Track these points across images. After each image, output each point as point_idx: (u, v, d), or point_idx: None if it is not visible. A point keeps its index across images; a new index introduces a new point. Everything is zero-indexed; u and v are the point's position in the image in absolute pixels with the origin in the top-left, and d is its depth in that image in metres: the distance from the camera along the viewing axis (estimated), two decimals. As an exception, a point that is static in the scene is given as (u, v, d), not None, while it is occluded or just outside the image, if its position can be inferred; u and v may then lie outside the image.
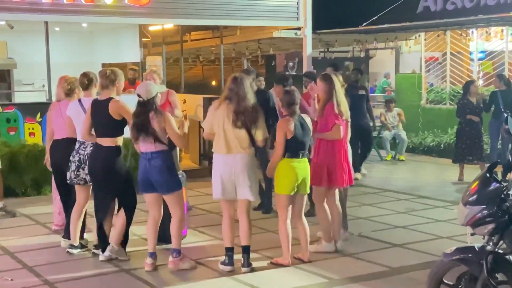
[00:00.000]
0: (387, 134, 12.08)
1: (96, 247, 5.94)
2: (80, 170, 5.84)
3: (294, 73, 16.21)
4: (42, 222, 7.26)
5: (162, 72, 12.04)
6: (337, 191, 6.10)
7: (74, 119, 5.92)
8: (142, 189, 5.52)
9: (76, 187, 5.99)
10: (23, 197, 8.53)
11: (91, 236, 6.17)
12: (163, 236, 5.80)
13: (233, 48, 15.38)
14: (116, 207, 5.87)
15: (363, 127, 9.60)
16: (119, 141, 5.66)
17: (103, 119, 5.60)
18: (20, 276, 5.45)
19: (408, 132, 12.54)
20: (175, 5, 9.98)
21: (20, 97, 11.86)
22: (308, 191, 5.69)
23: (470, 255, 3.99)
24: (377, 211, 7.87)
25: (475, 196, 3.98)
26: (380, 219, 7.43)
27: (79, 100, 5.95)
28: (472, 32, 13.33)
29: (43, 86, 10.74)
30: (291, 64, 16.85)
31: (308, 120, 5.66)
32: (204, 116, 5.65)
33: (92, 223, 6.06)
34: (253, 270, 5.46)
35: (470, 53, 14.18)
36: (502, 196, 3.92)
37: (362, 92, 9.91)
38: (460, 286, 4.12)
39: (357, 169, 9.32)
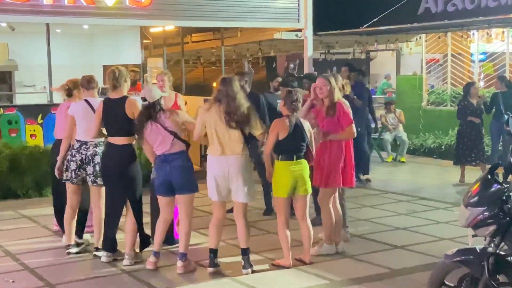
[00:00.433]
0: (388, 136, 12.08)
1: (97, 249, 5.94)
2: (81, 170, 5.84)
3: (295, 75, 16.23)
4: (43, 223, 7.26)
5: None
6: (337, 193, 6.10)
7: (79, 119, 5.87)
8: (161, 192, 5.51)
9: (71, 186, 5.95)
10: (24, 199, 8.53)
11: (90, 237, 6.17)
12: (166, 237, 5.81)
13: (234, 50, 15.40)
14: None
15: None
16: (133, 139, 5.67)
17: (118, 118, 5.60)
18: (21, 278, 5.46)
19: (409, 133, 12.54)
20: (176, 7, 9.99)
21: (21, 98, 11.89)
22: (309, 191, 5.67)
23: (471, 257, 3.99)
24: (378, 212, 7.87)
25: (476, 198, 3.98)
26: (381, 220, 7.43)
27: (86, 100, 5.91)
28: (473, 33, 13.34)
29: (44, 88, 10.77)
30: (292, 65, 16.88)
31: (306, 124, 5.65)
32: None
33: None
34: (253, 272, 5.45)
35: (471, 55, 14.19)
36: (504, 197, 3.92)
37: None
38: (461, 288, 4.12)
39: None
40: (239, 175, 5.33)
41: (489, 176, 4.02)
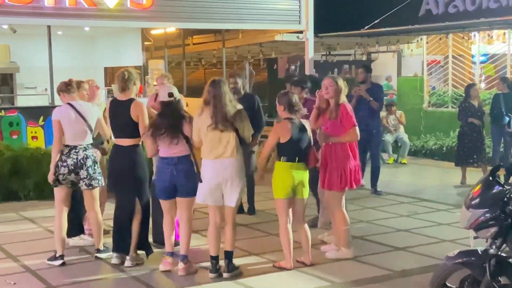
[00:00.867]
0: (389, 137, 12.08)
1: (99, 251, 5.93)
2: (73, 174, 5.74)
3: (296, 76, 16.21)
4: (44, 225, 7.27)
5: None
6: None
7: (65, 124, 5.74)
8: (164, 196, 5.50)
9: (61, 192, 5.82)
10: (26, 201, 8.53)
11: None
12: (160, 238, 5.84)
13: (235, 52, 15.39)
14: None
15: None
16: (139, 140, 5.68)
17: (123, 120, 5.61)
18: (23, 280, 5.46)
19: (410, 135, 12.53)
20: (177, 9, 10.01)
21: (22, 100, 11.90)
22: (307, 195, 5.66)
23: (473, 259, 3.99)
24: (380, 214, 7.87)
25: (477, 200, 3.98)
26: (382, 222, 7.43)
27: (70, 104, 5.80)
28: (474, 35, 13.33)
29: (46, 90, 10.78)
30: (293, 67, 16.86)
31: (307, 125, 5.65)
32: None
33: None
34: (236, 275, 5.40)
35: (472, 56, 14.19)
36: (505, 199, 3.92)
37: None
38: (463, 290, 4.11)
39: None
40: (233, 180, 5.32)
41: (490, 178, 4.02)
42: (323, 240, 6.40)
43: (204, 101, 5.33)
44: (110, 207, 6.16)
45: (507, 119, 9.72)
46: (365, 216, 7.67)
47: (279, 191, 5.52)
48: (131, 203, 5.70)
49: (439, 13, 11.49)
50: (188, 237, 5.51)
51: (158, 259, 5.72)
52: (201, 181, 5.35)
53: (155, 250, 5.88)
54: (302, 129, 5.56)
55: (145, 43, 11.68)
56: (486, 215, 3.92)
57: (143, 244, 5.82)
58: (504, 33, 12.79)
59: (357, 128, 5.78)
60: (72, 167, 5.74)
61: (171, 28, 12.23)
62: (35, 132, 9.32)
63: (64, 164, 5.74)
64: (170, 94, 5.38)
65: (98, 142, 6.33)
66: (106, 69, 13.51)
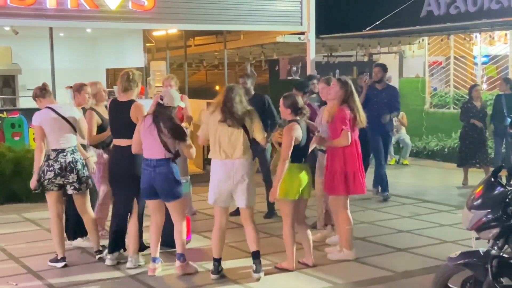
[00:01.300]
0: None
1: (99, 252, 5.94)
2: (59, 177, 5.68)
3: (298, 78, 16.22)
4: (46, 227, 7.26)
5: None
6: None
7: (48, 128, 5.66)
8: (146, 196, 5.53)
9: (53, 195, 5.75)
10: (28, 202, 8.53)
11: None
12: (166, 240, 5.81)
13: (237, 53, 15.41)
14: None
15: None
16: None
17: (123, 121, 5.63)
18: (25, 281, 5.46)
19: (412, 136, 12.52)
20: (179, 10, 10.01)
21: (24, 102, 11.88)
22: (310, 196, 5.67)
23: (475, 260, 3.99)
24: (382, 215, 7.86)
25: (479, 201, 3.98)
26: (384, 223, 7.42)
27: (50, 108, 5.73)
28: (476, 36, 13.31)
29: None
30: (294, 68, 16.85)
31: (304, 124, 5.66)
32: None
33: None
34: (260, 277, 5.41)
35: (474, 57, 14.17)
36: (507, 200, 3.92)
37: None
38: (465, 291, 4.11)
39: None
40: (244, 180, 5.32)
41: (492, 179, 4.01)
42: (318, 241, 6.39)
43: (218, 102, 5.35)
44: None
45: (509, 120, 9.70)
46: (367, 217, 7.67)
47: (288, 192, 5.48)
48: (129, 203, 5.72)
49: (440, 14, 11.47)
50: (182, 235, 5.51)
51: (165, 260, 5.71)
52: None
53: (161, 251, 5.82)
54: (307, 131, 5.57)
55: (147, 44, 11.69)
56: (488, 216, 3.92)
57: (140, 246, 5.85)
58: (506, 34, 12.78)
59: (347, 133, 5.75)
60: (59, 171, 5.67)
61: (173, 29, 12.24)
62: (37, 134, 9.31)
63: (51, 168, 5.66)
64: (161, 98, 5.40)
65: (105, 144, 6.36)
66: (108, 70, 13.51)
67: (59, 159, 5.69)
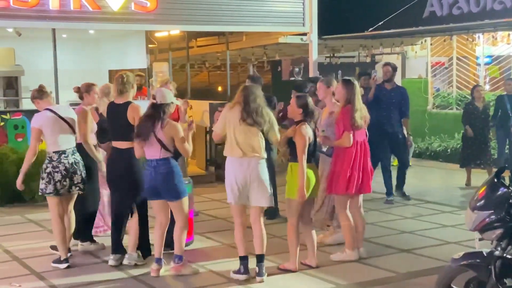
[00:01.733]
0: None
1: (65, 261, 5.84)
2: (67, 179, 5.75)
3: (300, 79, 16.21)
4: (49, 228, 7.25)
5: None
6: (361, 198, 6.05)
7: (48, 130, 5.74)
8: (149, 197, 5.56)
9: (55, 198, 5.78)
10: (31, 203, 8.54)
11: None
12: (170, 241, 5.80)
13: (239, 54, 15.43)
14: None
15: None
16: None
17: (121, 123, 5.65)
18: (28, 282, 5.47)
19: (414, 137, 12.49)
20: (182, 11, 10.02)
21: (27, 103, 11.86)
22: (317, 195, 5.67)
23: (478, 261, 3.98)
24: (384, 216, 7.86)
25: (483, 201, 3.97)
26: (387, 224, 7.42)
27: (49, 110, 5.79)
28: (479, 36, 13.31)
29: (51, 92, 10.77)
30: (297, 69, 16.83)
31: (312, 125, 5.67)
32: (211, 122, 5.68)
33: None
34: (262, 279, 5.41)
35: (477, 58, 14.16)
36: (510, 201, 3.91)
37: None
38: (468, 292, 4.10)
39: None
40: (261, 179, 5.33)
41: (495, 179, 4.01)
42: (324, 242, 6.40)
43: (237, 102, 5.36)
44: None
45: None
46: (370, 218, 7.64)
47: (296, 192, 5.46)
48: (128, 205, 5.76)
49: (443, 15, 11.46)
50: (181, 237, 5.51)
51: (169, 261, 5.70)
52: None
53: (165, 252, 5.80)
54: (314, 132, 5.59)
55: (150, 45, 11.69)
56: (491, 217, 3.91)
57: (141, 244, 5.84)
58: (509, 34, 12.76)
59: (349, 134, 5.75)
60: (65, 172, 5.74)
61: (175, 30, 12.25)
62: (40, 135, 9.32)
63: (57, 170, 5.73)
64: (153, 97, 5.42)
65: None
66: (110, 71, 13.52)
67: (62, 160, 5.74)
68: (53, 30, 9.58)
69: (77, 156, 5.88)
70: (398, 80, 16.70)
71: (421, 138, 13.04)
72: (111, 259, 5.81)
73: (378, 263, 5.86)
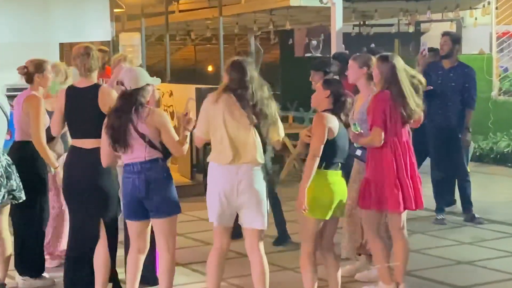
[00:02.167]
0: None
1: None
2: (2, 187, 5.87)
3: (319, 55, 16.25)
4: None
5: (141, 55, 12.13)
6: (404, 216, 6.02)
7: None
8: (129, 215, 5.49)
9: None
10: None
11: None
12: (147, 275, 5.85)
13: (236, 22, 15.44)
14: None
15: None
16: None
17: (88, 113, 5.65)
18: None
19: (474, 134, 12.47)
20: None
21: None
22: (345, 214, 5.69)
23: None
24: (433, 241, 7.89)
25: None
26: (437, 252, 7.44)
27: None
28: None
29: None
30: (314, 42, 16.92)
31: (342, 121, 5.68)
32: (197, 114, 5.66)
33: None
34: None
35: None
36: None
37: None
38: None
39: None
40: (253, 191, 5.33)
41: None
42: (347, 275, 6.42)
43: (225, 89, 5.36)
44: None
45: None
46: (413, 244, 7.65)
47: (315, 208, 5.43)
48: (93, 226, 5.71)
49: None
50: (170, 272, 5.50)
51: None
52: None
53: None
54: (346, 129, 5.59)
55: (115, 10, 11.73)
56: None
57: (110, 279, 5.83)
58: None
59: (378, 129, 5.75)
60: (2, 178, 5.84)
61: (150, -10, 12.29)
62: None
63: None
64: (121, 83, 5.38)
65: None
66: (62, 45, 13.56)
67: None
68: (-15, -11, 9.61)
69: (9, 158, 5.97)
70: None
71: (483, 135, 13.04)
72: None
73: (425, 305, 5.89)
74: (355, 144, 6.11)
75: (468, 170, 11.88)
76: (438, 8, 14.70)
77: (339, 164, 5.55)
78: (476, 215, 8.68)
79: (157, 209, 5.39)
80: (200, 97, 10.02)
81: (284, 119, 12.47)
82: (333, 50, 10.92)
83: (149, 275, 5.86)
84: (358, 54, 6.83)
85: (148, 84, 5.44)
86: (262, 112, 5.30)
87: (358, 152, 6.19)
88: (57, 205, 6.89)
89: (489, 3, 13.94)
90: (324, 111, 5.50)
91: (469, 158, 12.04)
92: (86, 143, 5.68)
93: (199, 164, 10.27)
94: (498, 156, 12.59)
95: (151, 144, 5.33)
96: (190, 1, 15.14)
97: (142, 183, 5.34)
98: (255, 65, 7.44)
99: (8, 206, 6.07)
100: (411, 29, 16.83)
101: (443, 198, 8.75)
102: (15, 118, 6.39)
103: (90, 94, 5.68)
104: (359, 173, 6.23)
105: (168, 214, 5.43)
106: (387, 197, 5.85)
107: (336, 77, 7.33)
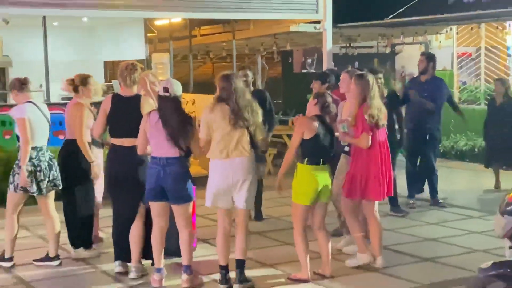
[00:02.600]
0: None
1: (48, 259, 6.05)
2: (47, 178, 5.95)
3: (313, 71, 16.22)
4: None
5: (170, 70, 12.13)
6: (376, 203, 6.06)
7: (35, 123, 5.92)
8: (151, 197, 5.49)
9: (21, 196, 6.06)
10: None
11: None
12: (172, 249, 5.83)
13: (246, 44, 15.42)
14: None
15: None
16: None
17: (131, 118, 5.64)
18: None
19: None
20: (184, -3, 10.04)
21: (16, 98, 11.96)
22: (328, 200, 5.69)
23: (508, 270, 3.97)
24: (405, 222, 7.84)
25: (513, 206, 3.96)
26: (408, 230, 7.40)
27: (32, 103, 6.02)
28: (509, 25, 13.26)
29: (41, 86, 10.83)
30: (309, 61, 16.86)
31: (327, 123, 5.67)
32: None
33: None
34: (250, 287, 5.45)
35: (507, 48, 14.11)
36: (544, 205, 3.89)
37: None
38: (497, 304, 4.09)
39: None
40: (245, 180, 5.34)
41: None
42: (341, 250, 6.41)
43: (218, 98, 5.35)
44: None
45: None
46: (389, 224, 7.63)
47: (300, 196, 5.51)
48: (134, 210, 5.72)
49: (470, 1, 11.44)
50: (189, 246, 5.51)
51: (169, 271, 5.71)
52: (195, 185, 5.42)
53: (164, 261, 5.80)
54: (329, 130, 5.59)
55: (148, 34, 11.74)
56: (523, 222, 3.90)
57: (147, 252, 5.81)
58: (543, 23, 12.71)
59: (366, 135, 5.76)
60: (45, 171, 5.94)
61: (177, 18, 12.28)
62: (30, 132, 9.35)
63: (38, 168, 5.90)
64: (165, 89, 5.38)
65: (98, 143, 6.40)
66: (106, 63, 13.59)
67: (41, 158, 5.93)
68: (44, 17, 9.62)
69: (51, 153, 6.10)
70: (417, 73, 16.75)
71: (446, 136, 12.98)
72: (118, 266, 5.81)
73: (398, 273, 5.86)
74: (342, 142, 6.12)
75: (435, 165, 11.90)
76: (410, 33, 14.67)
77: (321, 160, 5.54)
78: (440, 201, 8.67)
79: (176, 197, 5.42)
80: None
81: (285, 122, 12.50)
82: (325, 67, 10.93)
83: (172, 248, 5.84)
84: (349, 69, 6.86)
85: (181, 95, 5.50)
86: (247, 117, 5.29)
87: (346, 148, 6.22)
88: None
89: (451, 29, 13.90)
90: (314, 115, 5.53)
91: (437, 155, 12.05)
92: (126, 142, 5.68)
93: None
94: (458, 153, 12.53)
95: (179, 146, 5.35)
96: (209, 27, 15.14)
97: (166, 175, 5.35)
98: (261, 79, 7.49)
99: (53, 192, 6.13)
100: (388, 50, 16.84)
101: (414, 186, 8.73)
102: (65, 121, 6.44)
103: (134, 102, 5.69)
104: (347, 165, 6.22)
105: (185, 201, 5.46)
106: (370, 188, 5.86)
107: (332, 86, 7.37)
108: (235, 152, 5.30)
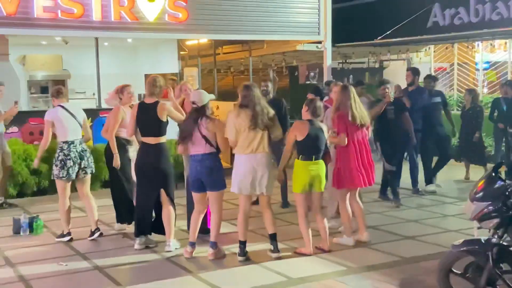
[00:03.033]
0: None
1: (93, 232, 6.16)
2: (76, 165, 6.07)
3: (315, 82, 16.15)
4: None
5: (198, 81, 12.15)
6: (358, 189, 6.04)
7: (60, 123, 6.08)
8: (194, 189, 5.53)
9: (64, 183, 6.11)
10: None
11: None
12: (201, 228, 5.82)
13: (260, 60, 15.40)
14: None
15: (440, 135, 8.82)
16: (164, 138, 5.76)
17: (151, 120, 5.66)
18: (73, 262, 5.54)
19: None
20: (210, 22, 10.06)
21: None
22: (322, 189, 5.66)
23: (477, 247, 3.95)
24: (390, 206, 7.78)
25: (481, 193, 3.94)
26: (393, 213, 7.36)
27: (61, 106, 6.16)
28: (478, 44, 13.13)
29: (94, 94, 10.92)
30: (312, 74, 16.79)
31: (324, 128, 5.66)
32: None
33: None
34: (281, 256, 5.46)
35: (476, 64, 13.97)
36: (507, 193, 3.86)
37: (437, 99, 8.90)
38: (467, 275, 4.08)
39: (429, 181, 8.68)
40: (265, 171, 5.34)
41: (493, 174, 3.97)
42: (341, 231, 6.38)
43: (241, 105, 5.35)
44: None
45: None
46: (377, 208, 7.61)
47: (297, 186, 5.54)
48: (153, 194, 5.76)
49: (445, 25, 11.37)
50: (217, 226, 5.52)
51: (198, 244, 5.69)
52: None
53: (184, 237, 5.81)
54: (320, 130, 5.55)
55: (181, 52, 11.74)
56: (489, 207, 3.87)
57: (159, 227, 5.87)
58: (505, 43, 12.59)
59: (343, 135, 5.77)
60: (75, 159, 6.05)
61: (204, 39, 12.28)
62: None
63: (68, 157, 6.04)
64: (193, 103, 5.41)
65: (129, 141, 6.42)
66: (146, 75, 13.60)
67: (72, 149, 6.06)
68: (96, 38, 9.70)
69: (84, 146, 6.20)
70: (403, 84, 16.64)
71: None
72: (136, 243, 5.81)
73: (384, 248, 5.83)
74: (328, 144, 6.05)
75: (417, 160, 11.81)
76: (395, 51, 14.57)
77: (313, 156, 5.50)
78: (420, 189, 8.59)
79: (211, 186, 5.44)
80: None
81: (291, 125, 12.45)
82: (325, 79, 10.89)
83: (204, 227, 5.86)
84: (337, 83, 6.85)
85: (209, 101, 5.51)
86: (265, 119, 5.31)
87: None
88: None
89: (429, 48, 13.80)
90: (306, 120, 5.54)
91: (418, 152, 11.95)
92: (150, 140, 5.71)
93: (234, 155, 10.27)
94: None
95: (209, 143, 5.36)
96: (230, 46, 15.12)
97: (202, 169, 5.38)
98: (272, 88, 7.47)
99: (89, 177, 6.23)
100: (377, 65, 16.70)
101: (398, 177, 8.64)
102: None
103: (153, 107, 5.68)
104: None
105: (218, 189, 5.47)
106: (354, 177, 5.84)
107: (327, 97, 7.33)
108: (259, 149, 5.32)
